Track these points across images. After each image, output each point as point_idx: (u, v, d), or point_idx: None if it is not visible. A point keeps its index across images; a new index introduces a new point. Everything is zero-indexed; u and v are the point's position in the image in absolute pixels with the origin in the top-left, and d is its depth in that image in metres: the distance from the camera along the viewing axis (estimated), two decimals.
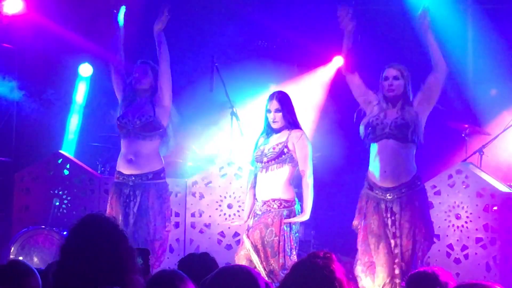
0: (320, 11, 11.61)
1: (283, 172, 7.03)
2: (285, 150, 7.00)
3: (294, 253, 6.99)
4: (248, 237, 6.99)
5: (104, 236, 3.58)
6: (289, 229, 6.97)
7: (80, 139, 11.40)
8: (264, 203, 7.02)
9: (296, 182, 7.26)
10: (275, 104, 7.10)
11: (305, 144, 7.07)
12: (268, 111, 7.14)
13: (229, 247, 9.10)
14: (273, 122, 7.10)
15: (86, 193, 9.36)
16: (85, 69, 11.18)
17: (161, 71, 7.52)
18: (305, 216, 7.00)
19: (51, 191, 9.34)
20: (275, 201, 6.98)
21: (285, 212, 6.96)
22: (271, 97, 7.17)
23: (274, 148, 7.02)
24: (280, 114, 7.08)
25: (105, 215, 3.72)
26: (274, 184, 7.02)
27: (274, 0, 11.65)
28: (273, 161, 7.00)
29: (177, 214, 9.03)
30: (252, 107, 11.05)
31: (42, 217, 9.21)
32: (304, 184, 7.05)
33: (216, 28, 11.60)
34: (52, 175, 9.41)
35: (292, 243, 6.97)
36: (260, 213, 7.03)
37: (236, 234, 9.09)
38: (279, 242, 6.90)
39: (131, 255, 3.62)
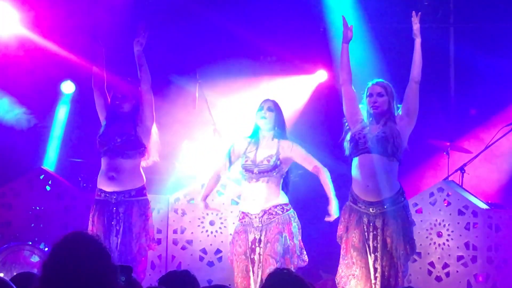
0: (304, 26, 11.67)
1: (275, 182, 7.06)
2: (278, 162, 7.02)
3: (305, 252, 7.06)
4: (271, 256, 6.93)
5: (86, 253, 3.58)
6: (297, 231, 7.02)
7: (62, 155, 11.36)
8: (265, 212, 7.01)
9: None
10: (269, 104, 7.14)
11: (299, 148, 7.12)
12: (260, 108, 7.15)
13: (211, 264, 9.09)
14: (262, 117, 7.10)
15: (68, 209, 9.33)
16: (68, 86, 11.15)
17: (142, 92, 7.52)
18: (335, 200, 7.08)
19: (33, 207, 9.30)
20: (277, 207, 7.02)
21: (291, 212, 7.03)
22: (266, 99, 7.25)
23: (268, 161, 7.01)
24: (272, 113, 7.09)
25: (88, 233, 3.72)
26: (269, 192, 7.03)
27: (257, 16, 11.67)
28: (265, 173, 7.01)
29: (159, 231, 9.02)
30: (235, 124, 11.07)
31: (23, 233, 9.17)
32: (322, 174, 7.12)
33: (199, 45, 11.61)
34: (34, 191, 9.36)
35: (301, 244, 7.05)
36: (260, 224, 7.01)
37: (218, 251, 9.08)
38: (294, 246, 6.94)
39: (113, 272, 3.62)
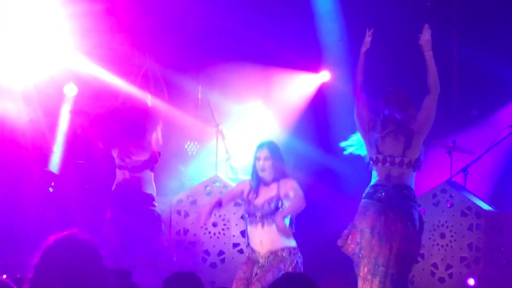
0: (308, 27, 11.70)
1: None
2: (279, 204, 6.91)
3: None
4: (259, 280, 6.87)
5: (77, 256, 3.58)
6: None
7: (65, 157, 11.37)
8: (272, 253, 6.89)
9: None
10: (265, 152, 7.00)
11: (293, 183, 6.91)
12: (257, 158, 7.02)
13: (213, 265, 9.09)
14: (262, 170, 6.99)
15: (71, 210, 9.33)
16: (70, 89, 11.14)
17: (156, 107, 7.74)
18: (280, 215, 6.81)
19: (36, 208, 9.32)
20: (285, 250, 6.88)
21: (298, 257, 6.91)
22: (261, 145, 7.08)
23: (269, 204, 6.89)
24: (269, 162, 6.97)
25: (80, 235, 3.71)
26: (276, 236, 6.85)
27: (261, 17, 11.70)
28: (268, 217, 6.88)
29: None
30: (238, 125, 11.08)
31: (26, 234, 9.18)
32: (296, 197, 6.85)
33: (202, 45, 11.63)
34: (37, 192, 9.38)
35: None
36: (265, 263, 6.89)
37: (221, 253, 9.08)
38: None
39: (104, 275, 3.63)
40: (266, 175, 6.98)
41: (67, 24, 10.22)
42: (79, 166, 10.74)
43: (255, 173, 7.06)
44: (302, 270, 6.92)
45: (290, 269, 6.79)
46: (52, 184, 9.46)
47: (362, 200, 7.01)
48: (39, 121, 10.98)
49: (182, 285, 4.47)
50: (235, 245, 9.15)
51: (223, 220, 9.10)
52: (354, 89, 7.14)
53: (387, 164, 6.93)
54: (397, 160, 6.92)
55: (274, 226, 6.84)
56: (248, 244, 7.11)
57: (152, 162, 7.68)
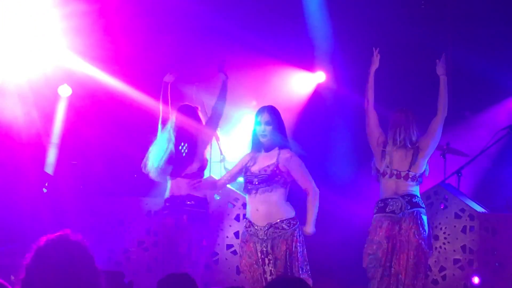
0: (303, 28, 11.72)
1: (279, 194, 6.86)
2: (277, 171, 6.85)
3: (307, 267, 6.90)
4: (278, 272, 6.83)
5: (69, 256, 3.58)
6: (301, 246, 6.88)
7: (59, 157, 11.36)
8: (271, 225, 6.84)
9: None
10: (266, 117, 6.96)
11: (298, 163, 6.92)
12: (258, 123, 6.98)
13: (207, 266, 9.07)
14: (262, 135, 6.96)
15: (65, 210, 9.33)
16: (64, 90, 11.13)
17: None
18: (310, 227, 6.92)
19: (30, 209, 9.31)
20: (284, 222, 6.84)
21: (297, 226, 6.86)
22: (262, 110, 7.04)
23: (265, 170, 6.85)
24: (270, 127, 6.94)
25: (72, 236, 3.71)
26: (273, 205, 6.84)
27: (258, 18, 11.70)
28: (264, 184, 6.84)
29: (155, 233, 9.01)
30: (233, 127, 11.08)
31: (20, 235, 9.17)
32: (311, 195, 6.94)
33: (196, 45, 11.62)
34: (31, 192, 9.37)
35: (303, 260, 6.88)
36: (265, 237, 6.85)
37: (215, 254, 9.07)
38: (298, 261, 6.82)
39: (96, 276, 3.63)
40: (267, 140, 6.97)
41: (61, 24, 10.22)
42: (73, 167, 10.74)
43: (255, 140, 7.06)
44: (304, 242, 6.92)
45: (293, 247, 6.79)
46: (46, 184, 9.44)
47: (375, 215, 7.46)
48: (33, 121, 10.97)
49: (176, 286, 4.47)
50: (229, 246, 9.15)
51: (217, 221, 9.08)
52: (366, 106, 7.56)
53: (394, 177, 7.39)
54: (402, 174, 7.37)
55: (271, 194, 6.85)
56: (246, 218, 7.09)
57: (204, 169, 7.89)
